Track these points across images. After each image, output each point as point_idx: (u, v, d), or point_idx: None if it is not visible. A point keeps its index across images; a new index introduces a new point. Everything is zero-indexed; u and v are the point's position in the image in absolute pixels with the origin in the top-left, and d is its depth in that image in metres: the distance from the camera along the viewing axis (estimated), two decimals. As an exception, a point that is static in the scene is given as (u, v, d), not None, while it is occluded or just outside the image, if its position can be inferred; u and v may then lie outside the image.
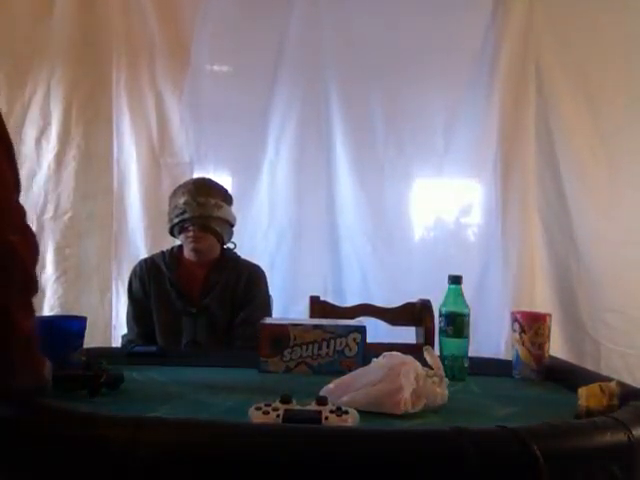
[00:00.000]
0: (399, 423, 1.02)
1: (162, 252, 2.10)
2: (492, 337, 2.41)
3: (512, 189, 2.57)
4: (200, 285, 2.01)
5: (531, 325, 1.39)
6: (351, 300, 2.15)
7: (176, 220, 1.99)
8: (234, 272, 2.03)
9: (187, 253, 2.05)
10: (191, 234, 1.97)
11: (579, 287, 2.50)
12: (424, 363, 1.15)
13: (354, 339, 1.39)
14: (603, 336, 2.45)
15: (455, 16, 2.54)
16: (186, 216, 1.96)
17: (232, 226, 2.08)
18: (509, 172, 2.57)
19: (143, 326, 2.02)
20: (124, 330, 2.15)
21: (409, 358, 1.13)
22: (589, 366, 2.10)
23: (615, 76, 2.47)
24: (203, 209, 1.96)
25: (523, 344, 1.39)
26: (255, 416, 0.93)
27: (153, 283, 2.02)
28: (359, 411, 0.98)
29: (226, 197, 2.06)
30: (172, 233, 2.06)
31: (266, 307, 2.04)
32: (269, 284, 2.10)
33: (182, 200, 1.98)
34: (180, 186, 2.07)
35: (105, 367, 1.17)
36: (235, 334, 1.98)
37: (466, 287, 1.42)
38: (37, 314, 2.60)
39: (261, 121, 2.58)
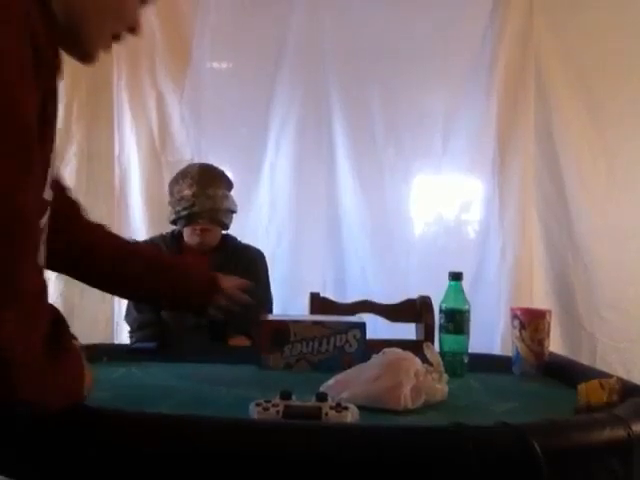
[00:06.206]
0: (399, 419, 1.02)
1: (162, 235, 2.10)
2: (488, 332, 2.42)
3: (510, 186, 2.57)
4: None
5: (531, 321, 1.39)
6: (351, 296, 2.15)
7: (184, 213, 1.96)
8: (234, 256, 2.05)
9: (190, 240, 2.04)
10: (200, 227, 1.97)
11: (576, 282, 2.50)
12: (424, 359, 1.15)
13: (354, 335, 1.39)
14: (599, 331, 2.46)
15: (454, 17, 2.55)
16: (195, 209, 1.94)
17: (234, 212, 2.09)
18: (507, 169, 2.57)
19: (145, 311, 2.01)
20: (125, 326, 2.15)
21: (409, 354, 1.13)
22: (585, 360, 2.11)
23: (614, 74, 2.46)
24: (212, 202, 1.95)
25: (523, 340, 1.39)
26: (255, 412, 0.93)
27: None
28: (359, 407, 0.98)
29: (229, 185, 2.05)
30: (175, 223, 2.05)
31: (264, 289, 2.04)
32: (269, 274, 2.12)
33: (190, 192, 1.95)
34: (183, 174, 2.03)
35: None
36: None
37: (465, 282, 1.42)
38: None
39: (262, 119, 2.58)
